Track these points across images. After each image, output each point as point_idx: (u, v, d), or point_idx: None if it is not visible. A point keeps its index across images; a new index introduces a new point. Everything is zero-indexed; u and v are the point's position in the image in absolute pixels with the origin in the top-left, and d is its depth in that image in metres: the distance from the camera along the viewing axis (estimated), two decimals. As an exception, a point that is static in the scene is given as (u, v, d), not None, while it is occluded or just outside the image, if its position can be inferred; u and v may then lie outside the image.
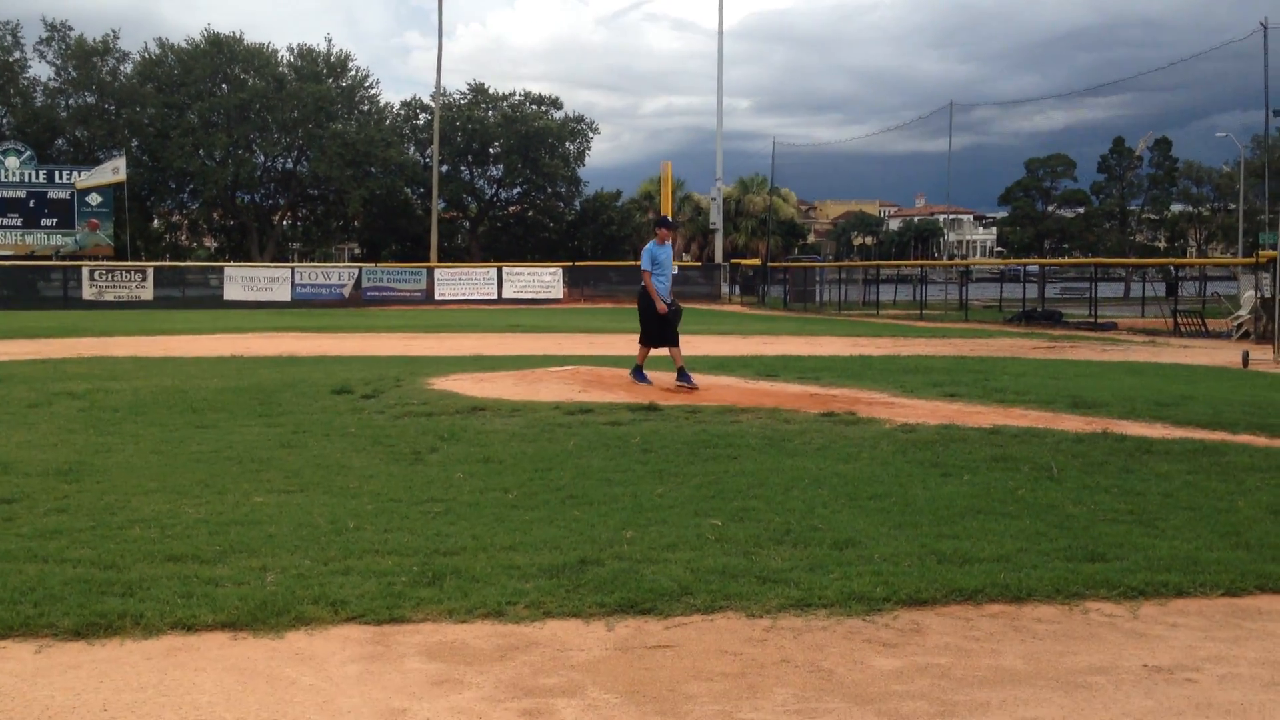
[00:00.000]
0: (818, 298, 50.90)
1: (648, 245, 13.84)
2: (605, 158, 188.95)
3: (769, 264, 55.96)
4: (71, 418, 10.75)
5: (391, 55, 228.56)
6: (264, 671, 4.32)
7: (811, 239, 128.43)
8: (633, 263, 60.35)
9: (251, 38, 63.00)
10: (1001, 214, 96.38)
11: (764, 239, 63.22)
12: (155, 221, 62.40)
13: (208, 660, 4.43)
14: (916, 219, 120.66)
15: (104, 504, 6.91)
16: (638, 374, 13.60)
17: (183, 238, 64.98)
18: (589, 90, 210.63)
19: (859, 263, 57.88)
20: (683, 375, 13.20)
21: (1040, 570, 5.62)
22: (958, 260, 67.69)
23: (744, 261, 58.60)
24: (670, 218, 14.99)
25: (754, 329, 29.69)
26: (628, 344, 22.04)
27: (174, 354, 19.01)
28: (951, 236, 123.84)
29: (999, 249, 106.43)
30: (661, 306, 13.38)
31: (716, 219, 57.95)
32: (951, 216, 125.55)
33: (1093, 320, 34.98)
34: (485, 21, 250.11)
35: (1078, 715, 3.98)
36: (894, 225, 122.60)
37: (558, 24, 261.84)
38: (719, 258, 58.00)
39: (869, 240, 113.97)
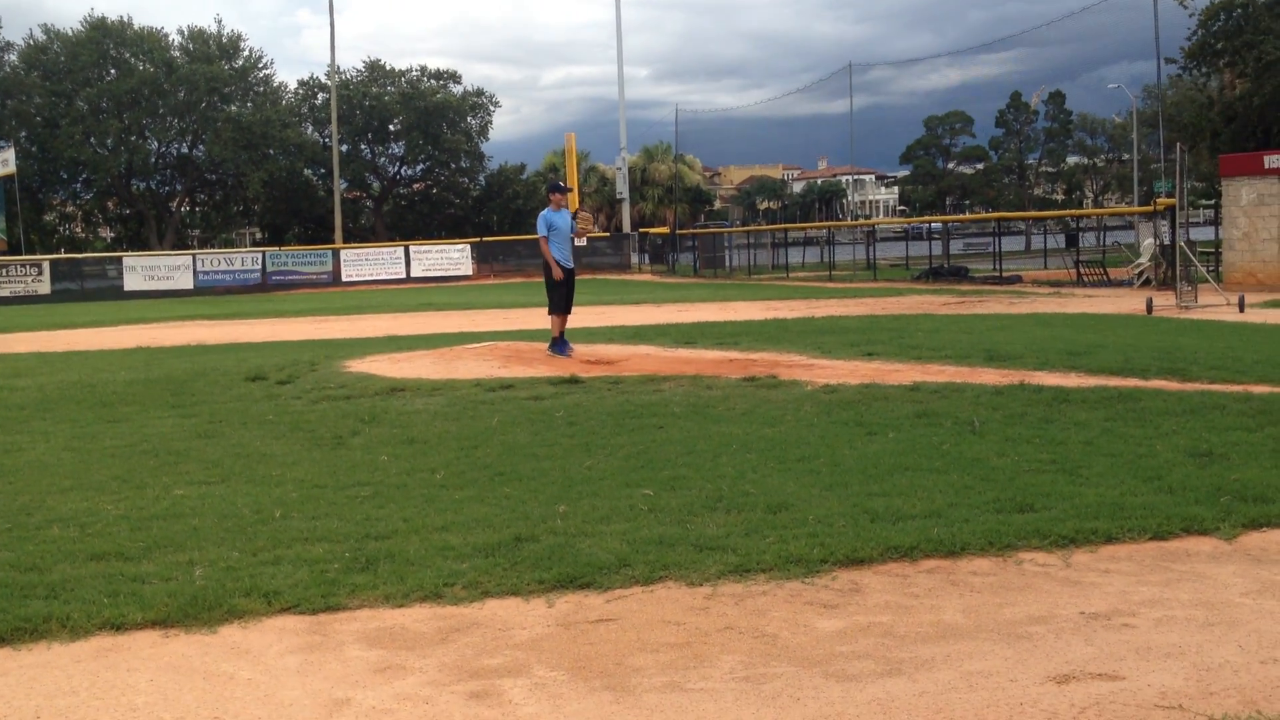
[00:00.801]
0: (727, 263, 51.11)
1: (542, 212, 13.85)
2: (507, 131, 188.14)
3: (677, 232, 55.98)
4: (-23, 418, 10.43)
5: (283, 35, 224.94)
6: (200, 668, 4.22)
7: (718, 205, 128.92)
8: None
9: (140, 22, 61.51)
10: (903, 173, 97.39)
11: (671, 207, 63.27)
12: (49, 214, 60.74)
13: (140, 660, 4.31)
14: (820, 181, 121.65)
15: (19, 504, 6.71)
16: (555, 346, 13.66)
17: (78, 229, 63.35)
18: (487, 64, 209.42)
19: (766, 227, 58.19)
20: (563, 341, 13.60)
21: (972, 524, 5.67)
22: (863, 221, 68.16)
23: (652, 230, 58.64)
24: (564, 183, 15.04)
25: (667, 297, 29.73)
26: (541, 318, 21.93)
27: (78, 348, 18.54)
28: (855, 197, 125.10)
29: (902, 208, 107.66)
30: (557, 271, 13.65)
31: (623, 189, 57.84)
32: (854, 177, 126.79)
33: (998, 274, 35.48)
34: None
35: (1021, 666, 4.02)
36: (798, 188, 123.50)
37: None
38: (627, 227, 57.92)
39: (773, 204, 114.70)
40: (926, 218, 65.55)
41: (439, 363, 12.56)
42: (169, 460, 8.01)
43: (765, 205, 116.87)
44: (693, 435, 8.20)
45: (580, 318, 21.91)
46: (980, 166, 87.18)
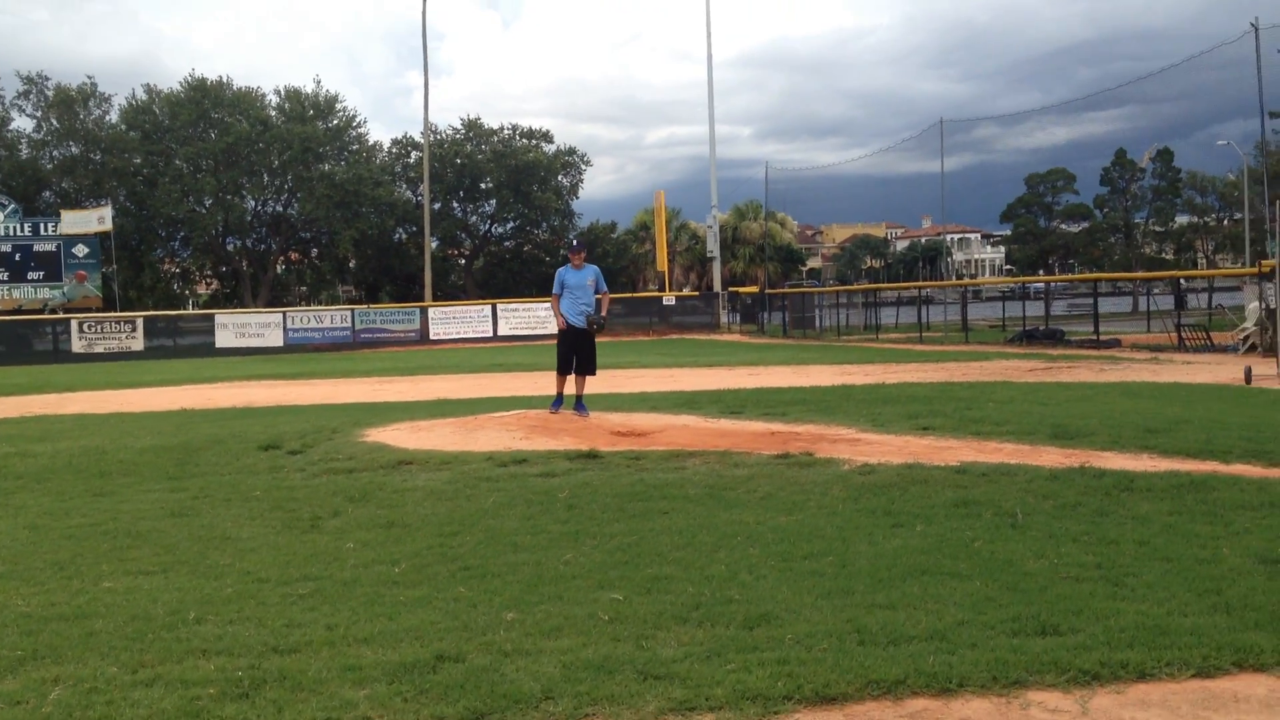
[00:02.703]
0: (817, 324, 50.04)
1: (560, 269, 13.48)
2: (609, 189, 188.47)
3: (767, 291, 55.08)
4: (-35, 488, 9.92)
5: (394, 95, 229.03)
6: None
7: (818, 264, 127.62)
8: (630, 295, 59.71)
9: (253, 83, 62.63)
10: (1005, 232, 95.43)
11: (762, 265, 62.41)
12: (145, 271, 61.75)
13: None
14: (923, 240, 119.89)
15: (-74, 597, 6.07)
16: (554, 405, 13.64)
17: (176, 286, 64.26)
18: (591, 123, 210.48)
19: (856, 286, 56.95)
20: (578, 404, 13.57)
21: (979, 650, 4.75)
22: (956, 280, 66.68)
23: (742, 289, 57.78)
24: (576, 242, 14.92)
25: (745, 359, 28.83)
26: (607, 380, 21.23)
27: (128, 409, 18.21)
28: (959, 256, 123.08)
29: (1008, 267, 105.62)
30: (560, 322, 13.64)
31: (713, 247, 57.22)
32: (959, 236, 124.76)
33: (1095, 338, 34.02)
34: (486, 60, 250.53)
35: None
36: (901, 246, 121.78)
37: (559, 60, 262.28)
38: (717, 286, 57.23)
39: (876, 263, 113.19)
40: (1019, 278, 63.76)
41: (459, 432, 11.83)
42: (124, 543, 7.36)
43: (868, 264, 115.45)
44: (698, 524, 7.34)
45: (646, 380, 21.19)
46: (1085, 225, 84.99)
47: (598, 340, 14.04)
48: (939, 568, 6.08)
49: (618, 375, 23.05)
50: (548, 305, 52.82)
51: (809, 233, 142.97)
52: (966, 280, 66.88)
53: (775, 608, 5.43)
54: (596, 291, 13.74)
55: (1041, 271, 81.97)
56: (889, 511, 7.53)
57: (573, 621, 5.31)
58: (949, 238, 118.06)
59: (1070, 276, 62.98)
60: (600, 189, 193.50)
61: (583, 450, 10.23)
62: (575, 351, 13.67)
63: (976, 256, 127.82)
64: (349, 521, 7.83)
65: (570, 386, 13.71)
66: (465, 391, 19.36)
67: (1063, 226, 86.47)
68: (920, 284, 55.41)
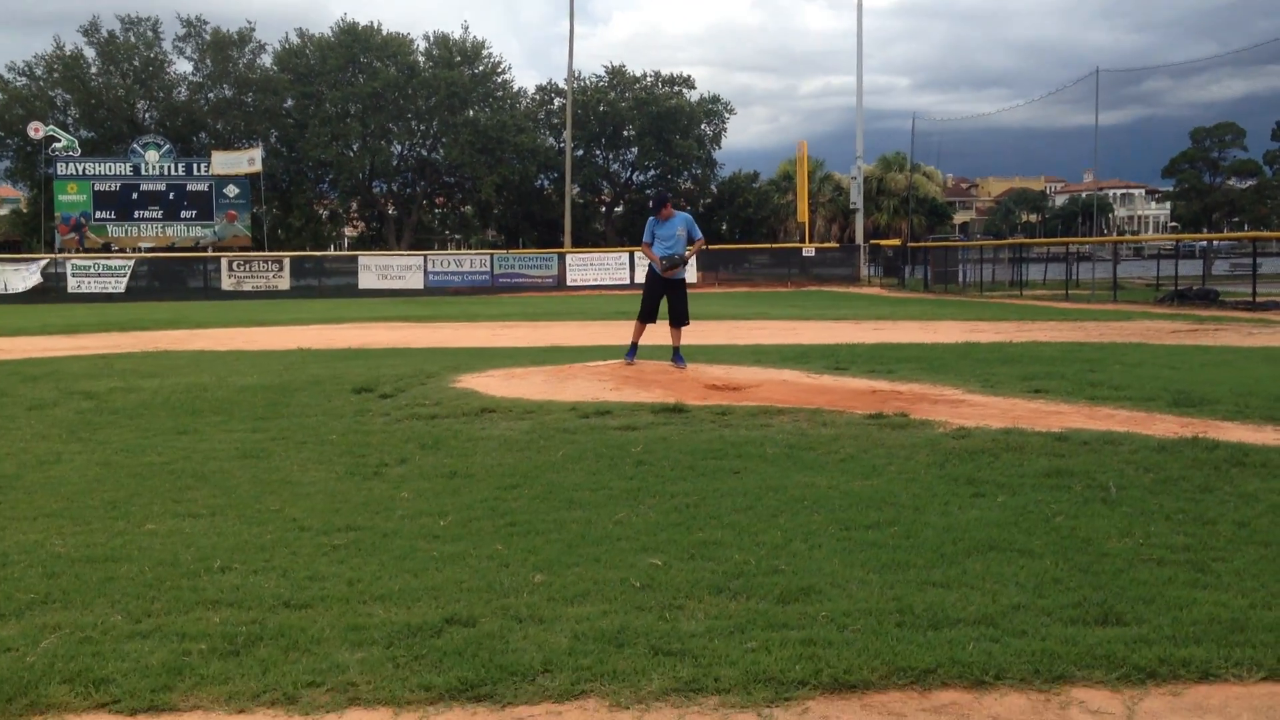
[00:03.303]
0: (960, 278, 48.74)
1: (651, 217, 13.07)
2: (763, 139, 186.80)
3: (909, 244, 53.84)
4: (60, 421, 10.06)
5: (550, 44, 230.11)
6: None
7: (973, 216, 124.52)
8: (770, 245, 58.96)
9: (417, 30, 63.27)
10: (1167, 188, 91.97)
11: (906, 218, 61.03)
12: (294, 212, 63.04)
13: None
14: (1084, 194, 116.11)
15: (-31, 532, 6.06)
16: (628, 354, 13.47)
17: (324, 228, 65.41)
18: (746, 73, 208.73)
19: (999, 241, 55.27)
20: (675, 356, 13.38)
21: (1028, 639, 4.34)
22: (1104, 237, 64.30)
23: (883, 242, 56.60)
24: (669, 194, 14.51)
25: (876, 313, 28.09)
26: (726, 331, 20.88)
27: (249, 346, 18.46)
28: (1122, 212, 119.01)
29: (1173, 224, 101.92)
30: (658, 263, 13.42)
31: (856, 199, 56.09)
32: (1122, 191, 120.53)
33: (1251, 300, 32.39)
34: (641, 7, 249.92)
35: None
36: (1060, 201, 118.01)
37: (714, 7, 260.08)
38: (859, 238, 56.14)
39: (1033, 218, 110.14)
40: (1177, 235, 61.27)
41: (550, 381, 11.62)
42: (186, 484, 7.30)
43: (1024, 219, 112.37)
44: (767, 485, 6.99)
45: (767, 332, 20.76)
46: (1253, 182, 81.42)
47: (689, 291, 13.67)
48: (1010, 543, 5.65)
49: (739, 326, 22.67)
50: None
51: (964, 186, 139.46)
52: (1115, 236, 64.42)
53: (820, 580, 5.08)
54: (690, 241, 13.32)
55: (1205, 230, 78.84)
56: (972, 480, 7.07)
57: (602, 586, 5.04)
58: (1111, 193, 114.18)
59: (1229, 235, 60.24)
60: (754, 139, 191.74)
61: (669, 404, 9.92)
62: (664, 300, 13.29)
63: (1140, 213, 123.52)
64: (413, 469, 7.66)
65: (664, 337, 13.42)
66: (582, 339, 19.15)
67: (1230, 183, 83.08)
68: (1066, 240, 53.47)
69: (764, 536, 5.85)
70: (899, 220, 61.95)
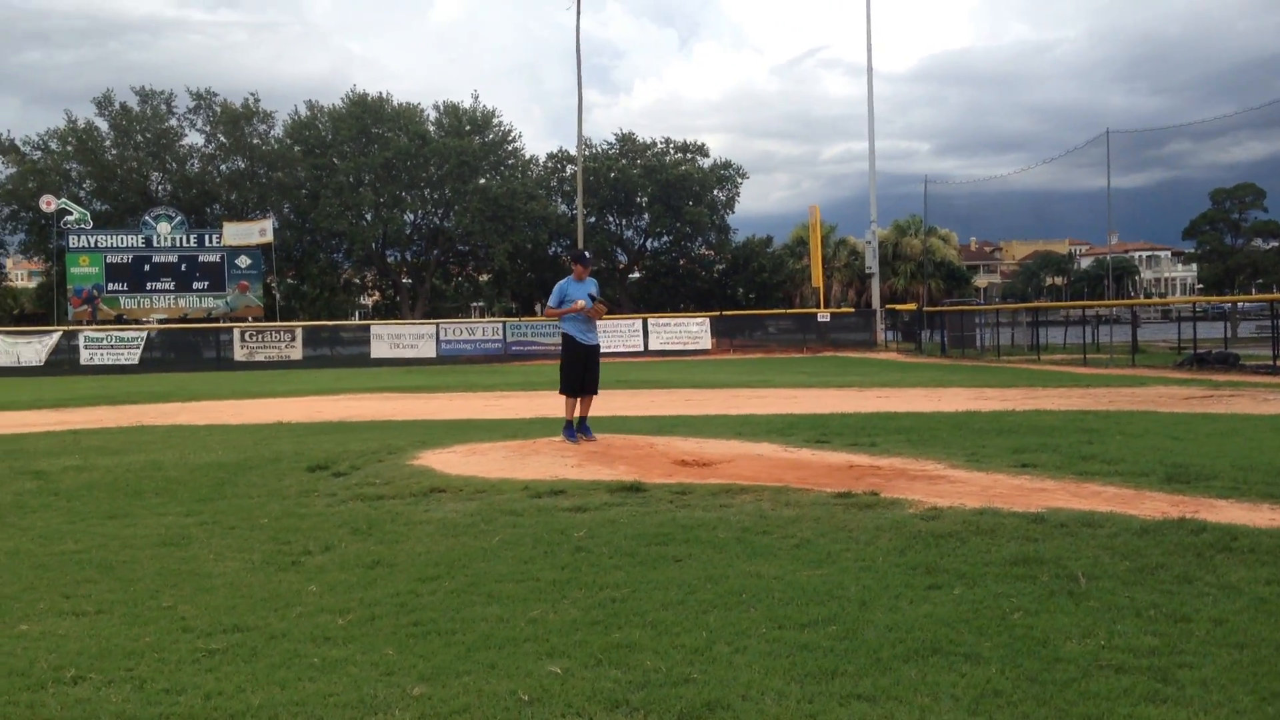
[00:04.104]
0: (978, 343, 48.08)
1: (560, 282, 12.55)
2: (786, 204, 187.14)
3: (925, 308, 53.27)
4: (-6, 505, 9.60)
5: (570, 113, 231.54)
6: None
7: (997, 280, 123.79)
8: (785, 310, 58.49)
9: (428, 100, 63.57)
10: (1189, 250, 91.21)
11: (922, 282, 60.52)
12: (306, 282, 63.04)
13: None
14: (1109, 257, 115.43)
15: None
16: (568, 432, 12.62)
17: (338, 297, 65.30)
18: (766, 139, 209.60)
19: (1014, 305, 54.61)
20: (582, 427, 12.72)
21: (947, 771, 3.77)
22: (1120, 301, 63.59)
23: (900, 307, 56.06)
24: (587, 254, 13.63)
25: (885, 379, 27.47)
26: (724, 400, 20.33)
27: (231, 420, 18.02)
28: (1148, 274, 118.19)
29: (1199, 285, 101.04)
30: (581, 308, 12.60)
31: (871, 263, 55.62)
32: (1147, 253, 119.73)
33: (1272, 363, 31.63)
34: (662, 76, 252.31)
35: None
36: (1085, 264, 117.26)
37: (734, 75, 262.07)
38: (875, 303, 55.62)
39: (1058, 280, 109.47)
40: (1193, 298, 60.51)
41: (513, 457, 11.10)
42: (87, 576, 6.82)
43: (1049, 281, 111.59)
44: (707, 575, 6.43)
45: (764, 401, 20.20)
46: (1276, 244, 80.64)
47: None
48: (956, 646, 5.08)
49: (738, 395, 22.13)
50: (700, 320, 52.36)
51: (987, 249, 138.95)
52: (1132, 300, 63.72)
53: (731, 693, 4.53)
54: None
55: (1230, 291, 77.93)
56: (932, 568, 6.49)
57: (484, 701, 4.50)
58: (1136, 255, 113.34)
59: (1251, 297, 59.45)
60: (775, 204, 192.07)
61: (627, 482, 9.37)
62: (590, 372, 12.75)
63: (1166, 275, 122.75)
64: (334, 558, 7.14)
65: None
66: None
67: (1254, 244, 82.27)
68: (1082, 303, 52.89)
69: (686, 638, 5.29)
70: (916, 284, 61.46)
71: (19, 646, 5.36)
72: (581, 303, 12.54)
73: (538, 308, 65.38)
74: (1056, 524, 7.58)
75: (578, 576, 6.49)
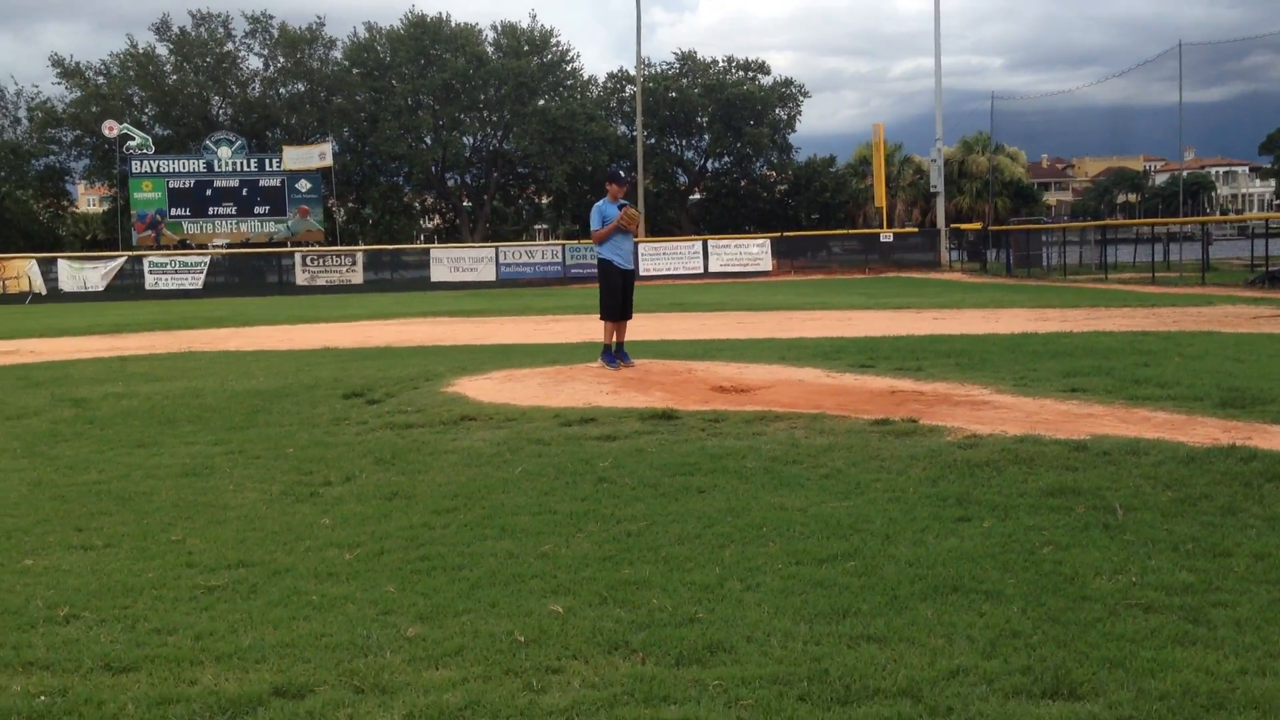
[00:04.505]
0: (1044, 262, 47.15)
1: (597, 204, 12.27)
2: (854, 123, 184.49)
3: (990, 227, 52.29)
4: (28, 432, 9.63)
5: (634, 32, 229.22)
6: None
7: (1070, 197, 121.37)
8: (847, 231, 57.68)
9: (458, 18, 62.88)
10: (1267, 164, 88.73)
11: (989, 201, 59.34)
12: (367, 206, 63.10)
13: None
14: (1184, 173, 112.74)
15: None
16: (606, 356, 12.45)
17: (397, 222, 65.24)
18: (835, 57, 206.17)
19: (1079, 224, 53.50)
20: (620, 352, 12.54)
21: (953, 718, 3.56)
22: (1191, 218, 62.05)
23: (964, 226, 55.07)
24: (623, 173, 13.05)
25: (943, 300, 26.93)
26: (776, 322, 20.03)
27: (279, 346, 18.02)
28: (1225, 190, 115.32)
29: (1277, 201, 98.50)
30: (625, 221, 12.50)
31: (936, 182, 54.52)
32: (1224, 169, 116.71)
33: (1349, 281, 30.66)
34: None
35: None
36: (1160, 180, 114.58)
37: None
38: (940, 222, 54.63)
39: (1132, 197, 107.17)
40: (1266, 214, 58.85)
41: (548, 384, 10.93)
42: (104, 508, 6.75)
43: (1124, 199, 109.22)
44: (730, 507, 6.24)
45: (818, 324, 19.86)
46: (1357, 157, 78.26)
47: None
48: (979, 583, 4.85)
49: (792, 318, 21.80)
50: (760, 242, 51.78)
51: (1059, 166, 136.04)
52: (1204, 217, 62.14)
53: (736, 634, 4.34)
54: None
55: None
56: (963, 500, 6.25)
57: (480, 641, 4.35)
58: (1214, 171, 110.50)
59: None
60: (843, 123, 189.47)
61: (661, 409, 9.16)
62: (625, 296, 12.55)
63: (1244, 191, 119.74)
64: (354, 489, 7.02)
65: (634, 334, 12.71)
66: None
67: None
68: (1149, 220, 51.72)
69: (697, 574, 5.11)
70: (982, 203, 60.25)
71: (19, 582, 5.28)
72: (620, 218, 12.35)
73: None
74: (1099, 452, 7.28)
75: (596, 509, 6.31)
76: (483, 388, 10.92)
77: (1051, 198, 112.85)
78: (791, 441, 7.96)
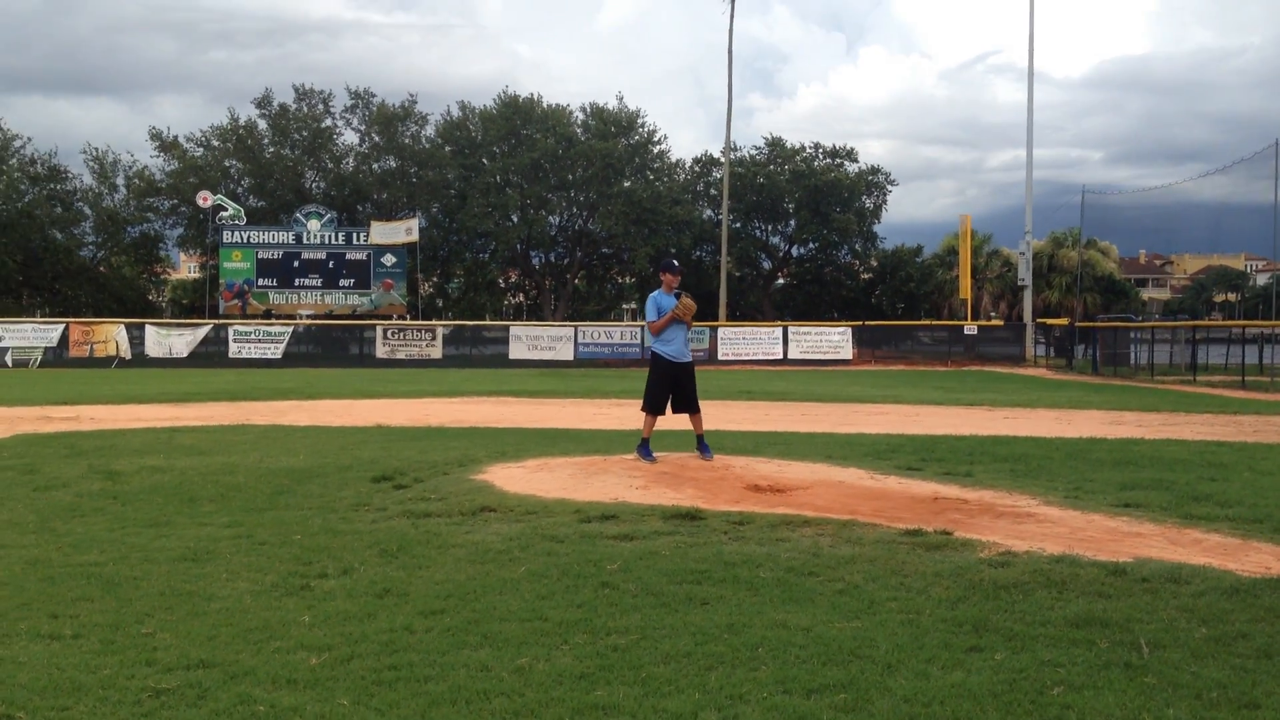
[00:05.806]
0: (1131, 360, 46.06)
1: (652, 294, 11.98)
2: (948, 213, 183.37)
3: (1077, 324, 51.31)
4: (50, 506, 9.54)
5: (736, 116, 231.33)
6: None
7: (1167, 295, 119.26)
8: (931, 322, 57.00)
9: (550, 99, 63.50)
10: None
11: (1078, 296, 58.37)
12: (451, 281, 63.69)
13: None
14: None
15: None
16: (643, 450, 12.15)
17: (481, 298, 65.74)
18: (931, 145, 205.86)
19: (1169, 323, 52.39)
20: (701, 445, 12.29)
21: None
22: (1262, 321, 60.43)
23: (1050, 321, 54.15)
24: (676, 262, 12.71)
25: (1018, 399, 26.23)
26: (843, 415, 19.57)
27: (333, 422, 17.94)
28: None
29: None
30: (679, 313, 12.19)
31: (1025, 275, 53.76)
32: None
33: None
34: (827, 80, 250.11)
35: None
36: (1262, 280, 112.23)
37: (900, 80, 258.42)
38: (1027, 316, 53.77)
39: (1231, 296, 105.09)
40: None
41: (578, 475, 10.64)
42: (89, 594, 6.58)
43: (1223, 298, 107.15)
44: (728, 623, 5.88)
45: (882, 419, 19.38)
46: None
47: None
48: (972, 728, 4.45)
49: (858, 411, 21.32)
50: (841, 329, 51.29)
51: (1157, 262, 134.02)
52: (1271, 321, 60.40)
53: (691, 777, 3.97)
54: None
55: None
56: (980, 626, 5.83)
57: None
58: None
59: None
60: (938, 212, 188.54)
61: (685, 509, 8.83)
62: (676, 388, 12.20)
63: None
64: (347, 584, 6.76)
65: (679, 424, 12.35)
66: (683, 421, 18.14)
67: None
68: (1241, 323, 50.40)
69: (673, 701, 4.77)
70: (1071, 298, 59.30)
71: (-36, 677, 5.08)
72: (675, 308, 12.13)
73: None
74: (1138, 578, 6.82)
75: (590, 618, 5.99)
76: (512, 476, 10.67)
77: (1148, 294, 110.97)
78: (814, 550, 7.58)
